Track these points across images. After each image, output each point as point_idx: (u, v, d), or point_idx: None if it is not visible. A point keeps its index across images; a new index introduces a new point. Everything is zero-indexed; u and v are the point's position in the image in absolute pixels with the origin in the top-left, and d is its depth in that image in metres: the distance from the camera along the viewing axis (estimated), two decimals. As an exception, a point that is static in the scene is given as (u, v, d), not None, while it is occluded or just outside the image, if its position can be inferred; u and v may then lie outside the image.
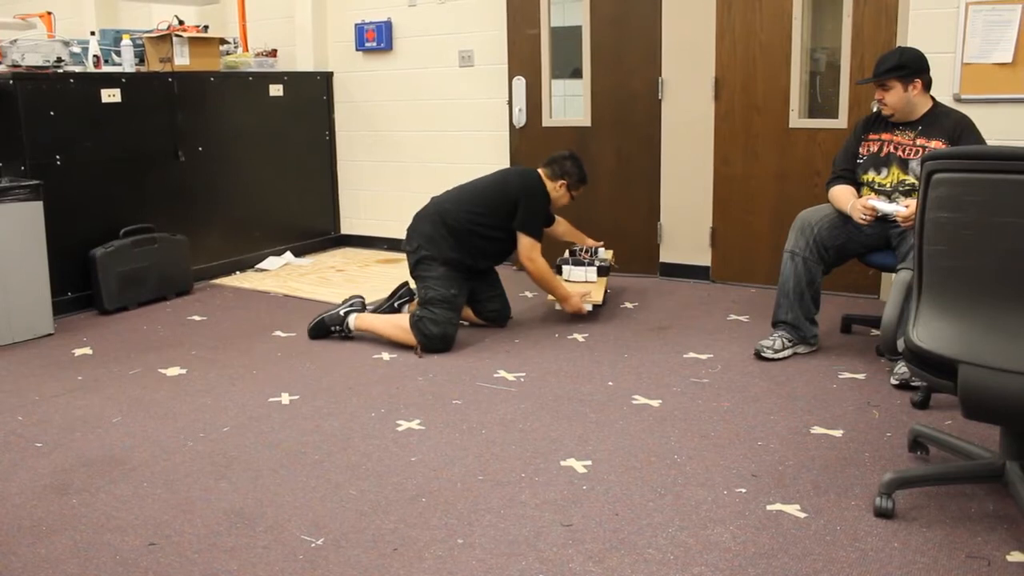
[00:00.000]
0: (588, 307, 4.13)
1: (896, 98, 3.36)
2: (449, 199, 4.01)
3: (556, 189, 4.06)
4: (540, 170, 4.08)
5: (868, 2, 4.28)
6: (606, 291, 4.42)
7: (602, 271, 4.38)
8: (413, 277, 3.96)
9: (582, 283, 4.31)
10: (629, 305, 4.49)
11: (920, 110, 3.40)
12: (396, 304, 4.16)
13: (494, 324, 4.11)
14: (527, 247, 3.95)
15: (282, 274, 5.43)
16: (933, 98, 3.43)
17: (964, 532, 2.21)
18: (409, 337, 3.75)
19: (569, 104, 5.23)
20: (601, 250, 4.51)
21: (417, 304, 3.87)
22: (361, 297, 4.13)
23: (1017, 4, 3.78)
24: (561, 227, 4.47)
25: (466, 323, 4.13)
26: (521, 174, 4.12)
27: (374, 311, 4.10)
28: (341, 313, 4.00)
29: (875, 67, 3.39)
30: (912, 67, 3.33)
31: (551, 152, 4.17)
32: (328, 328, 4.00)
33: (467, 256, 3.89)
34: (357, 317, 3.95)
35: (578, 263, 4.39)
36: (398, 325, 3.82)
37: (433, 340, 3.72)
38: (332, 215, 6.28)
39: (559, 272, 4.33)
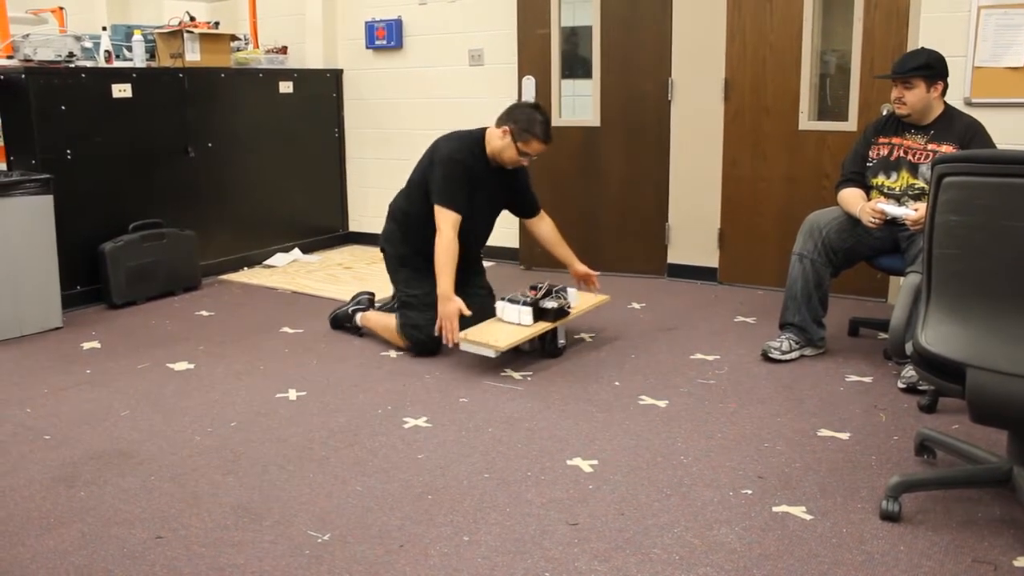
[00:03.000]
0: (456, 337, 3.39)
1: (917, 98, 3.34)
2: (398, 194, 3.86)
3: (500, 137, 3.54)
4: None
5: (879, 5, 4.27)
6: (560, 342, 3.60)
7: (550, 314, 3.50)
8: None
9: (515, 326, 3.48)
10: (636, 305, 4.49)
11: (933, 114, 3.39)
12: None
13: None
14: (438, 218, 3.48)
15: (290, 271, 5.45)
16: (946, 103, 3.42)
17: (970, 536, 2.21)
18: (398, 339, 3.73)
19: (578, 104, 5.23)
20: (572, 291, 3.66)
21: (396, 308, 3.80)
22: (369, 294, 4.13)
23: (1029, 8, 3.78)
24: (545, 228, 3.90)
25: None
26: (435, 144, 3.68)
27: (379, 309, 4.11)
28: (349, 311, 4.02)
29: (899, 64, 3.36)
30: (937, 69, 3.33)
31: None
32: (343, 323, 4.04)
33: (422, 246, 3.63)
34: (362, 316, 3.97)
35: (513, 301, 3.52)
36: (388, 327, 3.78)
37: (419, 345, 3.65)
38: (340, 212, 6.28)
39: (493, 311, 3.58)
